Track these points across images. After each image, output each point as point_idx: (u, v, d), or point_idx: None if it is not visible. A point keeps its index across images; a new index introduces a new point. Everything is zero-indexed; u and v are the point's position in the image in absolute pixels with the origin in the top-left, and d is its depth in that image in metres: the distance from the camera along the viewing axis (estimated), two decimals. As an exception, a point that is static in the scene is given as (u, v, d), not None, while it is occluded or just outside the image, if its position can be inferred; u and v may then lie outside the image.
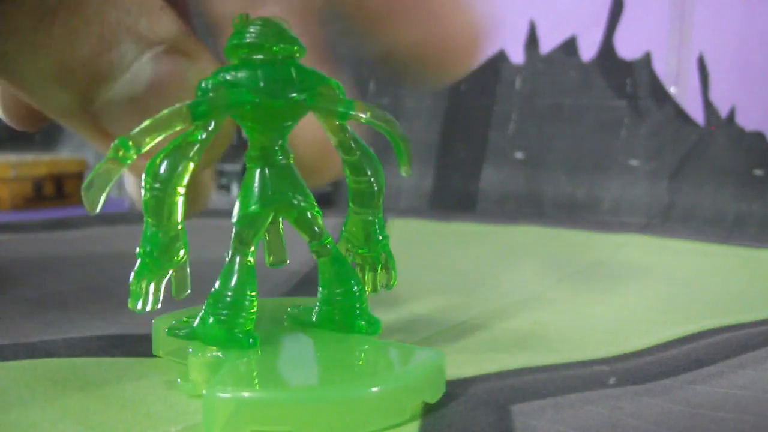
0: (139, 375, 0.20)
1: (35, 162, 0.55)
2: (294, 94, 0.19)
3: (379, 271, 0.21)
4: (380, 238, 0.21)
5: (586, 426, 0.17)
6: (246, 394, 0.16)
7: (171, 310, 0.21)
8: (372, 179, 0.20)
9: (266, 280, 0.29)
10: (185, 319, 0.20)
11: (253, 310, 0.19)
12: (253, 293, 0.19)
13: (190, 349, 0.19)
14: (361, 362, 0.19)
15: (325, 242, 0.20)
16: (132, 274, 0.18)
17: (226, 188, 0.54)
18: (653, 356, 0.22)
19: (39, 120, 0.23)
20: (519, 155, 0.53)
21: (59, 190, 0.55)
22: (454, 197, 0.53)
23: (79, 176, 0.56)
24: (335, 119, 0.20)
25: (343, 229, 0.21)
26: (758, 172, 0.46)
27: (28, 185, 0.54)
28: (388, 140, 0.20)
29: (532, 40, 0.53)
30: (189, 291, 0.19)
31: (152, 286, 0.18)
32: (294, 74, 0.19)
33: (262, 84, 0.18)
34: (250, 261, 0.19)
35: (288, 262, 0.21)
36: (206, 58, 0.20)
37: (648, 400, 0.19)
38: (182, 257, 0.18)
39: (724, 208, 0.46)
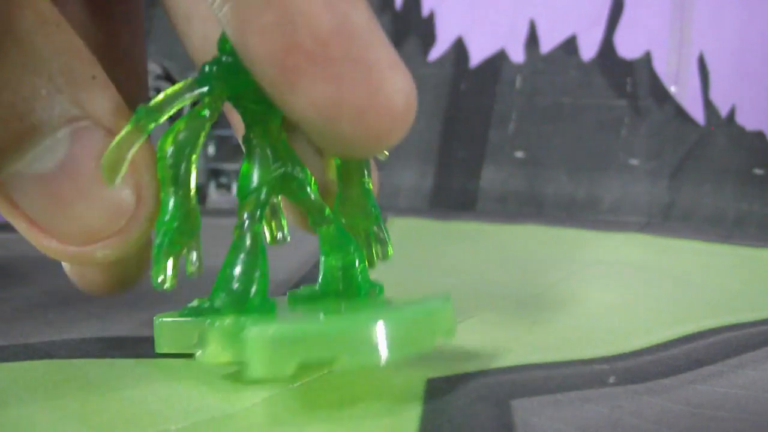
0: (140, 376, 0.20)
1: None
2: None
3: (373, 243, 0.22)
4: (372, 209, 0.21)
5: (586, 424, 0.17)
6: (290, 326, 0.16)
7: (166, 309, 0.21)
8: None
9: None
10: (194, 304, 0.20)
11: (263, 279, 0.19)
12: (264, 263, 0.19)
13: (207, 321, 0.18)
14: (382, 305, 0.20)
15: (325, 212, 0.21)
16: (154, 247, 0.18)
17: (227, 187, 0.54)
18: (653, 355, 0.22)
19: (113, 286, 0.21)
20: (519, 154, 0.53)
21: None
22: (454, 196, 0.53)
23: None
24: None
25: (333, 206, 0.21)
26: (758, 171, 0.46)
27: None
28: None
29: (532, 40, 0.53)
30: (203, 269, 0.19)
31: (171, 262, 0.18)
32: None
33: None
34: (257, 231, 0.19)
35: (289, 239, 0.22)
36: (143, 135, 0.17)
37: (648, 400, 0.19)
38: (197, 230, 0.19)
39: (725, 207, 0.46)
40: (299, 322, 0.18)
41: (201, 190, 0.53)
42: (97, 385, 0.19)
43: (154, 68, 0.53)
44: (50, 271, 0.33)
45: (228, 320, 0.18)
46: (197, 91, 0.18)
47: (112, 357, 0.21)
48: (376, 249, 0.22)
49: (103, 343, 0.22)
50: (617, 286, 0.31)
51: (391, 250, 0.22)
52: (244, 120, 0.20)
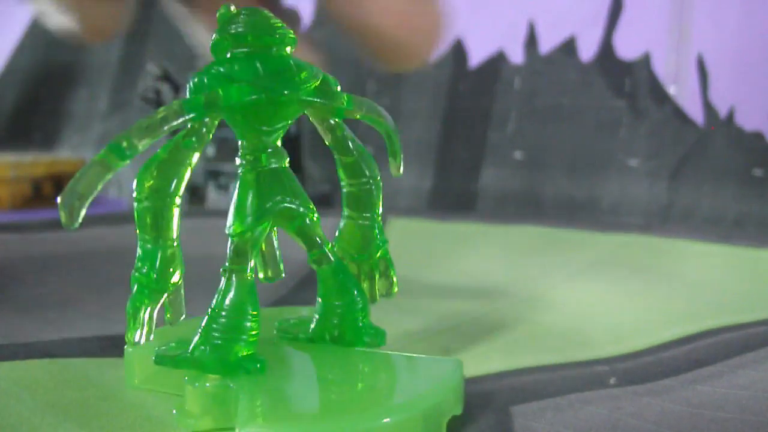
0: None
1: (34, 162, 0.55)
2: (296, 89, 0.17)
3: (377, 278, 0.20)
4: (379, 243, 0.20)
5: (586, 427, 0.17)
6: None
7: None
8: (370, 181, 0.19)
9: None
10: (172, 345, 0.18)
11: (254, 332, 0.17)
12: (255, 312, 0.17)
13: (186, 378, 0.17)
14: (382, 382, 0.18)
15: (327, 250, 0.19)
16: (129, 303, 0.17)
17: (225, 188, 0.54)
18: (653, 356, 0.22)
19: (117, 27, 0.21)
20: (518, 155, 0.53)
21: (58, 190, 0.55)
22: (453, 197, 0.53)
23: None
24: (332, 116, 0.18)
25: (337, 236, 0.20)
26: (757, 172, 0.46)
27: (27, 185, 0.54)
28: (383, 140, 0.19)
29: (531, 41, 0.53)
30: (184, 315, 0.17)
31: (147, 313, 0.17)
32: (293, 67, 0.17)
33: (263, 77, 0.17)
34: (249, 276, 0.17)
35: (284, 275, 0.20)
36: None
37: (648, 400, 0.19)
38: (178, 279, 0.17)
39: (724, 208, 0.46)
40: (294, 418, 0.16)
41: (200, 191, 0.53)
42: (96, 386, 0.19)
43: (153, 68, 0.53)
44: (49, 271, 0.33)
45: (212, 382, 0.16)
46: (183, 119, 0.16)
47: (112, 356, 0.21)
48: (380, 285, 0.20)
49: (103, 342, 0.22)
50: (617, 287, 0.31)
51: (396, 288, 0.20)
52: (240, 140, 0.18)
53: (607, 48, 0.51)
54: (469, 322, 0.26)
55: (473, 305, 0.28)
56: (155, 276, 0.16)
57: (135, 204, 0.16)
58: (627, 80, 0.50)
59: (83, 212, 0.15)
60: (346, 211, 0.20)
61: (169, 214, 0.16)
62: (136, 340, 0.17)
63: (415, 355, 0.18)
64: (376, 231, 0.19)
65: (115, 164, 0.15)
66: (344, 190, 0.19)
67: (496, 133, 0.54)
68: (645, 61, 0.50)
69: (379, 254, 0.20)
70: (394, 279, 0.20)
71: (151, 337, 0.17)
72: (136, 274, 0.17)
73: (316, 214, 0.18)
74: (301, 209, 0.18)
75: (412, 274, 0.31)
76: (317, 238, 0.19)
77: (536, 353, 0.22)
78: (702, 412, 0.18)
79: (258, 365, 0.17)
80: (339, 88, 0.18)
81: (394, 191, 0.54)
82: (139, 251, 0.17)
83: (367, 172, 0.19)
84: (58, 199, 0.15)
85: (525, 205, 0.52)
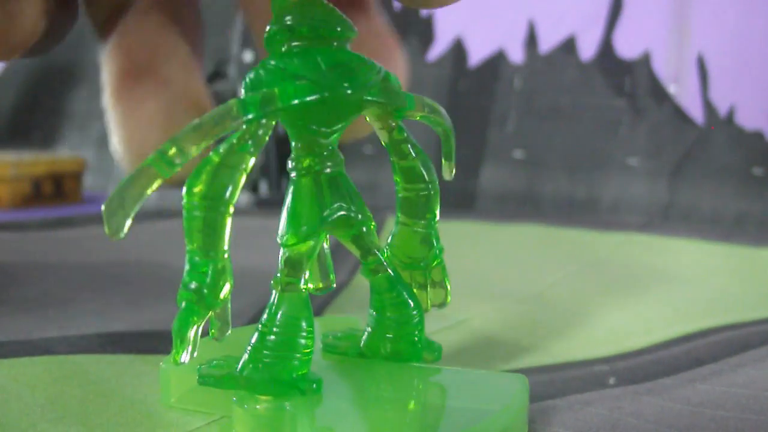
0: (140, 372, 0.20)
1: (34, 161, 0.55)
2: (360, 88, 0.16)
3: (429, 287, 0.18)
4: (437, 251, 0.18)
5: (586, 428, 0.17)
6: None
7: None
8: (429, 186, 0.18)
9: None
10: (216, 362, 0.16)
11: (308, 350, 0.16)
12: (310, 328, 0.16)
13: (234, 398, 0.16)
14: (446, 401, 0.17)
15: (382, 257, 0.17)
16: (176, 321, 0.15)
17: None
18: (653, 355, 0.22)
19: (51, 42, 0.19)
20: (518, 154, 0.53)
21: (58, 188, 0.55)
22: (452, 196, 0.53)
23: (77, 175, 0.56)
24: (393, 117, 0.17)
25: (390, 242, 0.18)
26: (757, 171, 0.46)
27: (27, 184, 0.54)
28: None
29: (531, 40, 0.53)
30: (230, 331, 0.16)
31: (194, 331, 0.15)
32: (357, 63, 0.16)
33: (325, 74, 0.15)
34: (302, 289, 0.16)
35: (334, 286, 0.18)
36: None
37: (648, 399, 0.19)
38: (227, 293, 0.15)
39: (724, 207, 0.46)
40: None
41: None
42: (96, 383, 0.19)
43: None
44: (49, 269, 0.33)
45: (263, 404, 0.15)
46: (239, 121, 0.15)
47: (112, 353, 0.21)
48: (431, 295, 0.18)
49: (102, 339, 0.22)
50: (616, 286, 0.31)
51: (449, 298, 0.19)
52: (295, 142, 0.16)
53: (607, 47, 0.51)
54: (467, 321, 0.26)
55: (472, 304, 0.28)
56: (206, 292, 0.15)
57: (184, 213, 0.15)
58: (627, 79, 0.50)
59: (129, 222, 0.14)
60: (400, 217, 0.18)
61: (222, 224, 0.15)
62: (183, 360, 0.15)
63: (477, 370, 0.18)
64: (433, 238, 0.18)
65: (163, 172, 0.14)
66: (399, 195, 0.18)
67: (496, 132, 0.54)
68: (645, 60, 0.50)
69: (435, 263, 0.19)
70: (449, 288, 0.19)
71: (195, 353, 0.15)
72: (185, 292, 0.15)
73: (373, 223, 0.17)
74: (360, 217, 0.17)
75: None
76: (374, 247, 0.17)
77: (535, 352, 0.22)
78: (702, 410, 0.18)
79: (314, 385, 0.16)
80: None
81: (393, 190, 0.54)
82: (187, 265, 0.15)
83: (426, 177, 0.18)
84: (102, 208, 0.14)
85: (524, 204, 0.52)
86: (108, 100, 0.19)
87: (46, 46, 0.18)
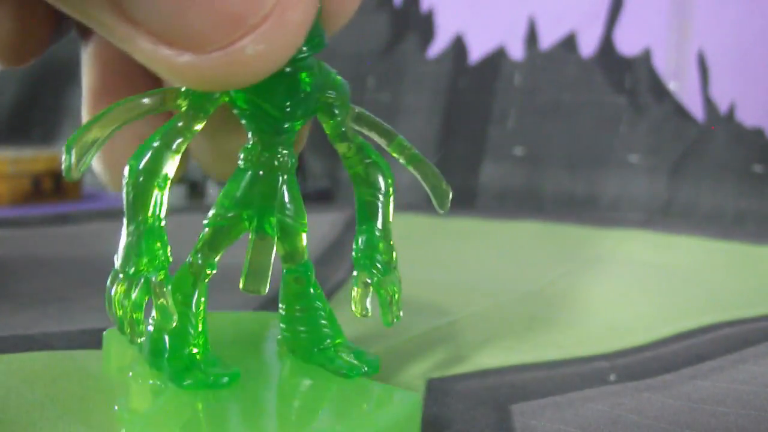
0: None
1: (34, 157, 0.55)
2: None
3: (394, 305, 0.18)
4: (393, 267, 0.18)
5: (586, 424, 0.17)
6: None
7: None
8: (378, 193, 0.18)
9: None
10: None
11: (199, 334, 0.16)
12: (201, 308, 0.16)
13: (130, 373, 0.16)
14: (325, 406, 0.16)
15: (308, 273, 0.17)
16: (130, 300, 0.15)
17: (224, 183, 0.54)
18: (654, 352, 0.22)
19: (28, 53, 0.19)
20: (518, 151, 0.53)
21: (58, 185, 0.55)
22: (453, 193, 0.53)
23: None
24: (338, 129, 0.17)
25: (355, 248, 0.18)
26: (758, 168, 0.46)
27: (27, 181, 0.54)
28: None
29: (531, 37, 0.53)
30: (176, 316, 0.15)
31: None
32: (306, 86, 0.16)
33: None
34: (209, 273, 0.16)
35: (265, 292, 0.18)
36: None
37: (648, 396, 0.19)
38: (158, 255, 0.15)
39: (724, 204, 0.46)
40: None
41: (199, 186, 0.53)
42: (96, 379, 0.19)
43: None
44: (49, 266, 0.33)
45: (150, 381, 0.16)
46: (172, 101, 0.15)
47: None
48: (393, 310, 0.18)
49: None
50: (616, 283, 0.31)
51: (399, 317, 0.18)
52: (251, 135, 0.17)
53: (607, 44, 0.51)
54: (468, 317, 0.26)
55: (472, 301, 0.28)
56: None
57: (122, 191, 0.15)
58: (627, 76, 0.50)
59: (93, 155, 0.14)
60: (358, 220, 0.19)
61: (149, 193, 0.15)
62: (141, 340, 0.15)
63: (375, 382, 0.17)
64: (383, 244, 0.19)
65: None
66: (356, 198, 0.19)
67: (496, 129, 0.54)
68: (645, 57, 0.50)
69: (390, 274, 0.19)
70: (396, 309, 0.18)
71: (127, 316, 0.15)
72: (131, 268, 0.15)
73: (305, 227, 0.17)
74: (289, 219, 0.17)
75: (411, 270, 0.31)
76: (298, 253, 0.17)
77: (536, 349, 0.22)
78: (702, 407, 0.18)
79: (225, 379, 0.16)
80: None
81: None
82: (128, 243, 0.15)
83: (378, 184, 0.19)
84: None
85: (525, 201, 0.52)
86: (84, 114, 0.19)
87: (24, 57, 0.18)
